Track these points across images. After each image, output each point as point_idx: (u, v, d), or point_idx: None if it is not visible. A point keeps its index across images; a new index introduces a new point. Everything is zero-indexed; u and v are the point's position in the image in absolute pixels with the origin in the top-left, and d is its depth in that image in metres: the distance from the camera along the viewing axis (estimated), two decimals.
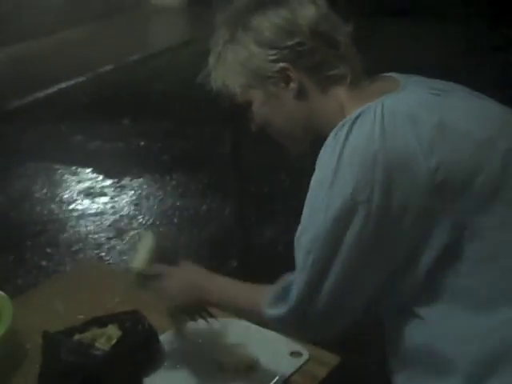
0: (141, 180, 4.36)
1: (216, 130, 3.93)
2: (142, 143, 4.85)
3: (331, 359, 1.43)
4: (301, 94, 1.20)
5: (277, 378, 1.37)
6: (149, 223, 3.85)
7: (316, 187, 1.11)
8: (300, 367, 1.41)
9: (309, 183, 1.18)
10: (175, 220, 3.87)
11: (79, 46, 6.87)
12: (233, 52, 1.21)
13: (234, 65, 1.21)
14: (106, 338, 1.41)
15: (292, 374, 1.39)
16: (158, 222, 3.86)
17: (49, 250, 3.61)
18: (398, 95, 1.14)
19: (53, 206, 4.11)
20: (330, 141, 1.12)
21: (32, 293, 1.89)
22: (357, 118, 1.10)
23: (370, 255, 1.09)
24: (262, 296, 1.22)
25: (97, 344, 1.38)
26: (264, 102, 1.22)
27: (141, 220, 3.89)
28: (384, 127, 1.07)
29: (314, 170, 1.42)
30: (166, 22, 8.04)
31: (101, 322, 1.47)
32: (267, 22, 1.18)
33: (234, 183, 3.38)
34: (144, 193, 4.22)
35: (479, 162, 1.09)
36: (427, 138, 1.07)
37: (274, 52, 1.17)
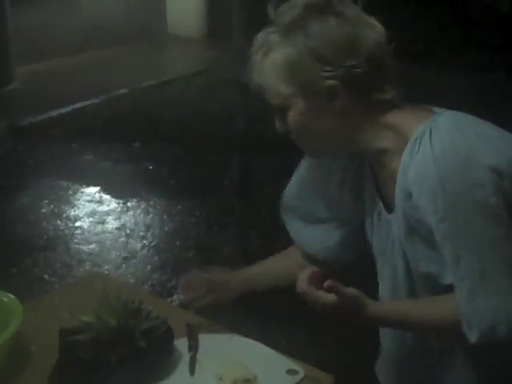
0: (147, 203, 4.42)
1: (224, 160, 4.00)
2: (151, 167, 4.93)
3: (326, 378, 1.47)
4: (344, 112, 1.23)
5: None
6: (152, 245, 3.91)
7: (426, 202, 1.17)
8: None
9: None
10: (177, 243, 3.93)
11: (97, 69, 6.99)
12: (285, 55, 1.19)
13: (283, 69, 1.20)
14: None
15: None
16: (160, 245, 3.92)
17: (52, 265, 3.66)
18: (450, 114, 1.25)
19: (59, 222, 4.17)
20: (408, 159, 1.20)
21: (38, 299, 1.94)
22: (430, 132, 1.18)
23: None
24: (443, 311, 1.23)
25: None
26: (303, 113, 1.24)
27: (144, 241, 3.95)
28: (464, 137, 1.17)
29: None
30: (183, 52, 8.18)
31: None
32: (328, 35, 1.17)
33: (238, 212, 3.44)
34: (149, 215, 4.28)
35: None
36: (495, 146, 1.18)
37: (329, 69, 1.18)
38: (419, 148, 1.18)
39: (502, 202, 1.15)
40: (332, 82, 1.19)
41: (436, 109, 1.29)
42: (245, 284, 1.60)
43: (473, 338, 1.16)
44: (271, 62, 1.21)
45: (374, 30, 1.21)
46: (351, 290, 1.23)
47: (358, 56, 1.18)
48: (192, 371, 1.49)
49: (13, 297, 1.57)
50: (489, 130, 1.24)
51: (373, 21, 1.22)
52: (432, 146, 1.17)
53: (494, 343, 1.17)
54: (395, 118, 1.25)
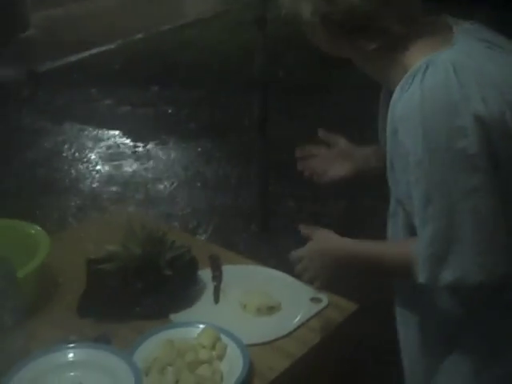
0: (167, 145, 4.43)
1: (243, 100, 3.97)
2: (170, 110, 4.92)
3: (349, 306, 1.49)
4: (359, 49, 1.22)
5: (297, 319, 1.44)
6: (173, 187, 3.94)
7: (408, 141, 1.14)
8: (319, 312, 1.47)
9: None
10: (198, 184, 3.95)
11: (113, 14, 6.93)
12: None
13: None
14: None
15: (311, 318, 1.46)
16: (181, 187, 3.94)
17: (75, 207, 3.71)
18: (457, 48, 1.18)
19: (80, 165, 4.20)
20: (399, 94, 1.16)
21: (64, 232, 1.98)
22: (426, 69, 1.14)
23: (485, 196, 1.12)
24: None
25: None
26: (326, 41, 1.24)
27: (166, 183, 3.97)
28: (459, 78, 1.12)
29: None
30: None
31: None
32: None
33: (258, 152, 3.43)
34: (170, 158, 4.29)
35: None
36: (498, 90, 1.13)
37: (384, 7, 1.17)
38: (411, 84, 1.15)
39: (485, 152, 1.11)
40: (378, 23, 1.18)
41: (458, 34, 1.22)
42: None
43: (422, 278, 1.16)
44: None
45: None
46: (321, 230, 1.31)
47: None
48: (216, 300, 1.52)
49: (40, 229, 1.60)
50: (497, 67, 1.17)
51: None
52: (422, 84, 1.13)
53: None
54: (405, 51, 1.22)
